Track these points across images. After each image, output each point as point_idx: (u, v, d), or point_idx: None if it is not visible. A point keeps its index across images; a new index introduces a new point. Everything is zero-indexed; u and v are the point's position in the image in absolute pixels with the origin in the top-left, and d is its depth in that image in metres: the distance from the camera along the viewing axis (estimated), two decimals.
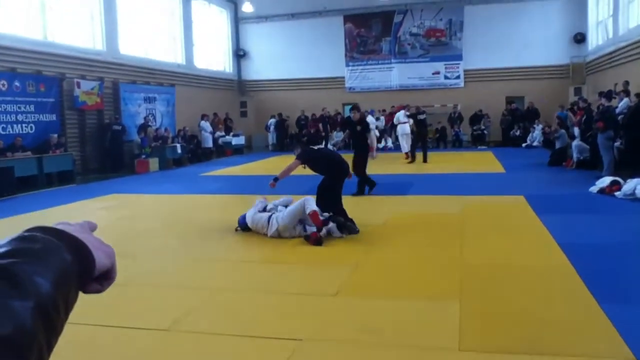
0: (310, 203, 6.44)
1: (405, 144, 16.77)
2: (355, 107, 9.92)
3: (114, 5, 18.33)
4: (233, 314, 4.24)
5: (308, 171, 7.50)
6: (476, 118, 22.74)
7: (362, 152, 9.93)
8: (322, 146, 7.88)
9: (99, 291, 0.72)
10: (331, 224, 6.53)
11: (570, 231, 6.48)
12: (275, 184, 7.17)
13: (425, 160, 15.72)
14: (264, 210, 6.94)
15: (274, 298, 4.57)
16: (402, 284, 4.77)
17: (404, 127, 16.66)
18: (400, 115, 17.13)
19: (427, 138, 16.81)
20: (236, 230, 7.05)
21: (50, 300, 0.59)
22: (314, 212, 6.32)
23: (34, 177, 13.19)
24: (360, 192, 9.85)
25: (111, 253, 0.73)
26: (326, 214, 6.73)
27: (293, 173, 7.34)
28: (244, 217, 7.03)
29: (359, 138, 9.76)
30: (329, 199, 7.05)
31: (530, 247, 5.90)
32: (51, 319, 0.58)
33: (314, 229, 6.35)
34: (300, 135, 22.22)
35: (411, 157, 16.02)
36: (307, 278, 5.08)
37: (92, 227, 0.77)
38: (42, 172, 13.44)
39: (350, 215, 7.13)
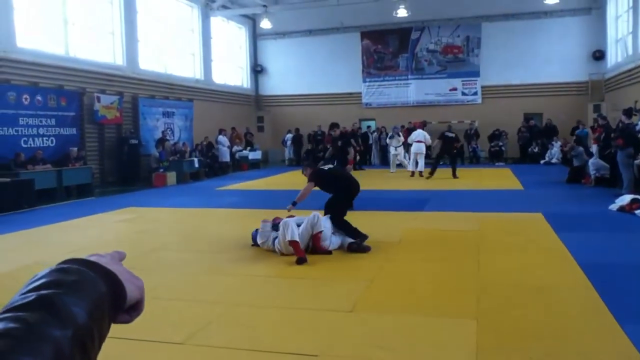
0: (291, 230, 6.35)
1: (419, 162, 16.72)
2: (334, 125, 10.34)
3: (134, 22, 18.62)
4: (248, 328, 4.23)
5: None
6: (494, 136, 22.63)
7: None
8: (331, 165, 7.83)
9: (127, 322, 0.74)
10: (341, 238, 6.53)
11: (589, 249, 6.38)
12: (293, 207, 7.19)
13: (455, 176, 15.64)
14: (273, 227, 6.86)
15: (290, 313, 4.56)
16: (418, 301, 4.72)
17: (420, 146, 16.63)
18: (418, 134, 17.04)
19: (455, 154, 16.68)
20: (252, 245, 7.06)
21: (87, 330, 0.62)
22: (293, 243, 6.28)
23: (53, 189, 13.36)
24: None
25: (141, 285, 0.76)
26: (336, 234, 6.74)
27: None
28: (256, 232, 7.04)
29: (341, 153, 10.02)
30: (337, 214, 7.02)
31: (549, 265, 5.81)
32: (86, 349, 0.61)
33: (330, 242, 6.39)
34: (316, 151, 22.24)
35: (431, 172, 15.86)
36: (323, 293, 5.06)
37: (122, 257, 0.81)
38: (62, 185, 13.62)
39: (365, 231, 7.12)
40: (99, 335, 0.65)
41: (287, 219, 6.90)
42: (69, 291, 0.63)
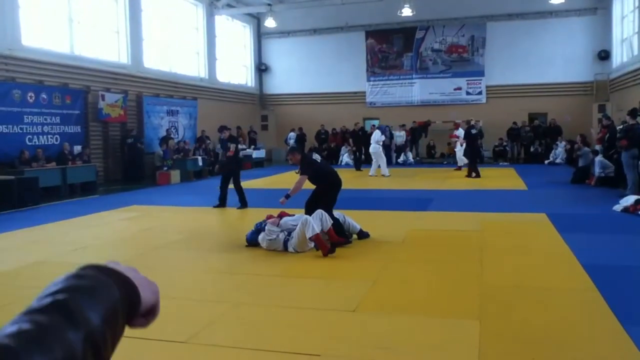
0: (309, 227, 6.41)
1: (381, 164, 17.14)
2: (223, 127, 11.17)
3: (139, 20, 18.65)
4: (251, 327, 4.23)
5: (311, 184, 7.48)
6: (512, 132, 22.55)
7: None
8: (318, 157, 7.78)
9: (143, 326, 0.78)
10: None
11: (593, 251, 6.36)
12: (286, 200, 7.20)
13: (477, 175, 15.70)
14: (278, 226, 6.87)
15: (293, 312, 4.56)
16: (421, 302, 4.72)
17: (373, 147, 17.17)
18: (374, 136, 17.35)
19: (475, 152, 16.80)
20: (246, 246, 7.06)
21: (100, 334, 0.65)
22: (316, 236, 6.37)
23: (57, 187, 13.39)
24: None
25: (156, 291, 0.80)
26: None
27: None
28: (252, 233, 7.04)
29: (226, 152, 10.95)
30: (323, 206, 7.01)
31: (552, 266, 5.80)
32: (99, 350, 0.64)
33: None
34: (320, 150, 22.23)
35: (476, 173, 15.80)
36: (326, 293, 5.06)
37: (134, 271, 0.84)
38: (66, 183, 13.65)
39: (368, 230, 7.23)
40: (113, 339, 0.68)
41: (287, 218, 6.93)
42: (84, 296, 0.66)
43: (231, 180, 10.84)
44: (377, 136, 17.33)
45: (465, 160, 17.29)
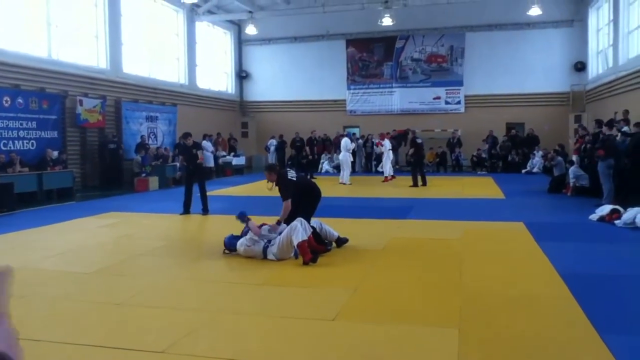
0: (298, 233, 6.42)
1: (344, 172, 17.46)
2: (187, 135, 11.20)
3: (118, 25, 18.51)
4: (231, 336, 4.20)
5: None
6: (496, 141, 22.82)
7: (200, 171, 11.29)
8: (294, 173, 7.71)
9: None
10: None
11: (570, 260, 6.44)
12: (278, 227, 7.03)
13: (424, 184, 15.82)
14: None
15: (273, 321, 4.53)
16: (400, 310, 4.73)
17: (342, 155, 17.71)
18: (343, 143, 17.85)
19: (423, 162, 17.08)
20: (224, 252, 7.02)
21: None
22: (302, 243, 6.37)
23: (33, 193, 13.18)
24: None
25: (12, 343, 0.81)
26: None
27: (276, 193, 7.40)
28: (230, 238, 7.01)
29: (193, 159, 11.01)
30: (303, 215, 6.96)
31: (529, 275, 5.86)
32: None
33: None
34: (300, 158, 22.21)
35: (414, 183, 15.92)
36: (306, 301, 5.04)
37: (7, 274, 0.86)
38: (42, 189, 13.44)
39: (349, 238, 7.28)
40: None
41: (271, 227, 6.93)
42: None
43: (195, 187, 10.94)
44: (346, 144, 17.57)
45: (392, 172, 18.12)
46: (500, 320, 4.42)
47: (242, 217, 6.98)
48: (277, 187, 7.31)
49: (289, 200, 7.12)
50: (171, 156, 18.86)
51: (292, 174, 7.47)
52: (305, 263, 6.32)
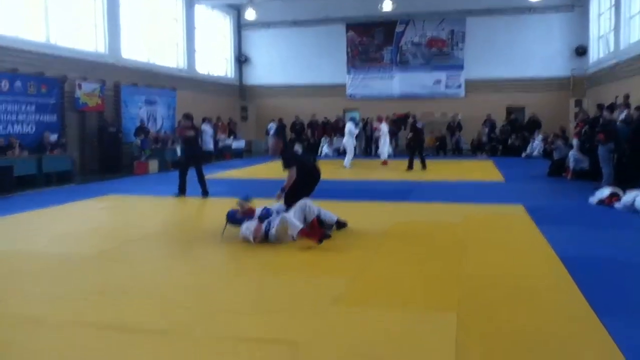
0: (293, 224, 6.44)
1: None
2: (188, 116, 11.38)
3: (117, 9, 18.36)
4: (231, 317, 4.20)
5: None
6: (494, 125, 22.84)
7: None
8: (299, 149, 7.80)
9: None
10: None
11: (570, 243, 6.45)
12: (282, 194, 7.15)
13: (424, 167, 15.84)
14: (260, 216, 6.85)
15: (271, 303, 4.54)
16: (400, 296, 4.69)
17: (345, 138, 18.01)
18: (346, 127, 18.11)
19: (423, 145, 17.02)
20: (224, 229, 6.97)
21: None
22: (302, 232, 6.39)
23: (32, 176, 13.17)
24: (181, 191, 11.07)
25: None
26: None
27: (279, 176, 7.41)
28: (235, 212, 7.00)
29: (195, 140, 11.62)
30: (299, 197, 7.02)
31: (529, 259, 5.86)
32: None
33: None
34: (300, 140, 22.18)
35: (409, 165, 15.92)
36: (306, 287, 5.02)
37: None
38: (41, 172, 13.43)
39: (350, 222, 7.27)
40: None
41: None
42: None
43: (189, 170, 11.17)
44: (350, 129, 17.70)
45: (386, 155, 18.32)
46: (500, 305, 4.39)
47: (246, 201, 7.01)
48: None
49: (294, 168, 7.15)
50: (170, 140, 18.82)
51: (297, 148, 7.55)
52: (318, 242, 6.30)
